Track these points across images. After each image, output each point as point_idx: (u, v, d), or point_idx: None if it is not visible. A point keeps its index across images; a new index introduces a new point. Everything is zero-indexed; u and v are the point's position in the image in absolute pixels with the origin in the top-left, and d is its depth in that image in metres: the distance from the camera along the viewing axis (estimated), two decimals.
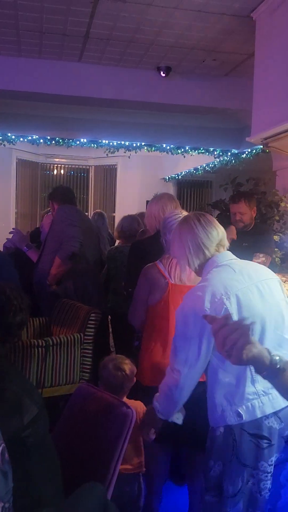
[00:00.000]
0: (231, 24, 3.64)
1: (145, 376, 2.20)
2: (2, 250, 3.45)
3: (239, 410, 1.59)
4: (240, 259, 1.82)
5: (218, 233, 1.77)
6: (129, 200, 8.91)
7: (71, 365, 2.73)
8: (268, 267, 2.60)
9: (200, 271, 1.75)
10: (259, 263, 2.85)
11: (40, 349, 2.63)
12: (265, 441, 1.59)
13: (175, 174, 9.07)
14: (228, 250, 1.80)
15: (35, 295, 3.32)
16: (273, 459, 1.62)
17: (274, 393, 1.57)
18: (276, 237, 3.59)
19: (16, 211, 9.45)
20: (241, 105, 4.56)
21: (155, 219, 2.51)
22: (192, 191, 9.74)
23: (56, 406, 2.60)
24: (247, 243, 3.19)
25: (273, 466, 1.63)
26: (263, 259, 2.94)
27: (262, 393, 1.60)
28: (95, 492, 1.57)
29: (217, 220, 1.85)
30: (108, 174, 9.96)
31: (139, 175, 9.29)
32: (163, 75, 4.47)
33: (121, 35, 3.89)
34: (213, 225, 1.77)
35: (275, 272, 1.83)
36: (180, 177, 9.11)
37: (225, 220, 3.80)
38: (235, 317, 1.52)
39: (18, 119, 5.89)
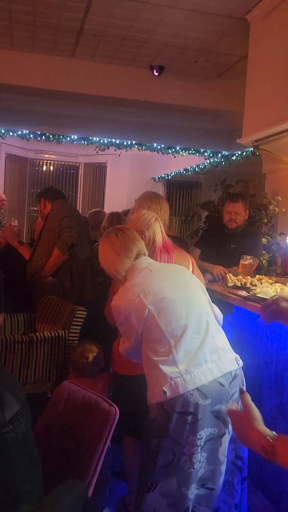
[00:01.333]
0: (225, 25, 3.65)
1: (116, 364, 2.27)
2: None
3: (164, 388, 1.79)
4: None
5: (136, 245, 2.00)
6: (117, 199, 8.89)
7: (55, 362, 2.71)
8: (255, 269, 2.64)
9: (126, 277, 1.99)
10: (245, 265, 2.88)
11: (23, 345, 2.61)
12: (191, 416, 1.78)
13: (164, 174, 9.08)
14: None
15: (29, 287, 3.34)
16: (202, 433, 1.78)
17: (196, 371, 1.81)
18: (264, 240, 3.61)
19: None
20: (232, 107, 4.57)
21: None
22: (181, 192, 9.76)
23: (39, 403, 2.57)
24: (235, 245, 3.20)
25: (202, 440, 1.80)
26: (250, 261, 2.95)
27: (185, 371, 1.80)
28: (75, 490, 1.56)
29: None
30: (98, 172, 9.93)
31: (128, 174, 9.29)
32: (156, 74, 4.46)
33: (115, 32, 3.88)
34: (130, 239, 2.01)
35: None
36: (169, 177, 9.12)
37: (213, 221, 3.81)
38: (151, 308, 1.83)
39: (8, 113, 5.83)
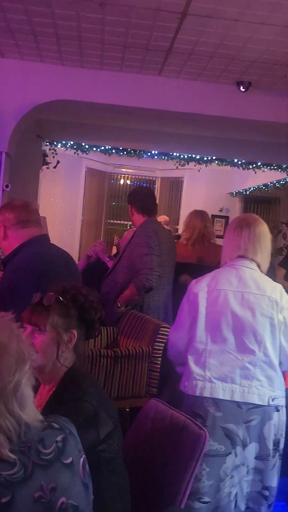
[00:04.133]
0: None
1: None
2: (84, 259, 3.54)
3: (186, 383, 1.96)
4: None
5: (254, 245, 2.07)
6: None
7: (138, 378, 2.72)
8: None
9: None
10: None
11: (109, 359, 2.64)
12: (200, 420, 1.88)
13: (242, 189, 8.94)
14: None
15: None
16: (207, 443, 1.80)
17: (218, 384, 1.93)
18: None
19: (82, 218, 9.66)
20: None
21: None
22: (259, 207, 9.56)
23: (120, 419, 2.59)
24: None
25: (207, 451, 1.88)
26: None
27: (208, 379, 1.92)
28: None
29: None
30: (174, 186, 9.98)
31: (205, 189, 9.24)
32: (243, 90, 4.42)
33: (203, 49, 3.89)
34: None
35: None
36: (247, 193, 8.97)
37: None
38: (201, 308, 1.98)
39: (93, 129, 6.03)
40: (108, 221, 10.39)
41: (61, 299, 1.69)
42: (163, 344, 2.79)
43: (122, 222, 10.13)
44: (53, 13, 3.42)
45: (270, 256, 2.07)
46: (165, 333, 2.79)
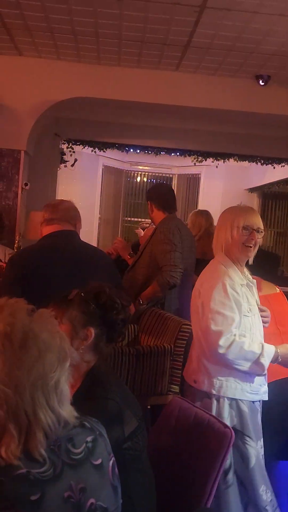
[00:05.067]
0: None
1: None
2: None
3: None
4: None
5: None
6: (211, 210, 8.79)
7: (160, 376, 2.70)
8: None
9: None
10: None
11: (131, 357, 2.62)
12: None
13: (260, 185, 8.84)
14: None
15: None
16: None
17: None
18: None
19: (99, 216, 9.67)
20: None
21: None
22: (278, 203, 9.44)
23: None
24: None
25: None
26: None
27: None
28: None
29: None
30: (191, 183, 9.91)
31: (223, 185, 9.15)
32: (262, 84, 4.36)
33: (221, 43, 3.84)
34: None
35: None
36: (266, 189, 8.86)
37: None
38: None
39: (109, 126, 6.02)
40: (125, 218, 10.38)
41: (83, 295, 1.69)
42: (185, 342, 2.76)
43: (139, 219, 10.10)
44: (70, 10, 3.41)
45: None
46: (187, 330, 2.76)
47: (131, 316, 1.78)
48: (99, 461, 1.11)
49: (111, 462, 1.16)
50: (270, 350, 2.09)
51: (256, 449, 2.13)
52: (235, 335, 2.06)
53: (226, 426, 1.75)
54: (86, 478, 1.06)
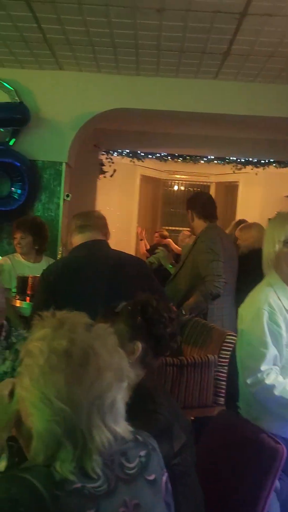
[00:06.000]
0: None
1: None
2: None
3: None
4: None
5: None
6: (250, 218, 8.68)
7: (204, 388, 2.66)
8: None
9: None
10: None
11: (174, 368, 2.60)
12: None
13: None
14: None
15: None
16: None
17: None
18: None
19: (137, 226, 9.72)
20: None
21: None
22: None
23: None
24: None
25: None
26: None
27: None
28: None
29: None
30: (230, 191, 9.82)
31: (261, 192, 9.02)
32: None
33: (262, 49, 3.79)
34: None
35: None
36: None
37: None
38: None
39: (148, 136, 6.05)
40: (163, 228, 10.38)
41: (130, 308, 1.67)
42: (229, 352, 2.71)
43: (177, 228, 10.08)
44: (110, 23, 3.45)
45: None
46: (232, 341, 2.71)
47: (179, 329, 1.75)
48: (152, 477, 1.09)
49: (164, 477, 1.14)
50: None
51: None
52: (267, 374, 1.88)
53: (277, 441, 1.70)
54: (140, 494, 1.04)
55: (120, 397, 1.01)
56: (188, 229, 4.81)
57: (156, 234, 7.78)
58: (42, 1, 3.16)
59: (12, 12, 3.36)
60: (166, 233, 7.82)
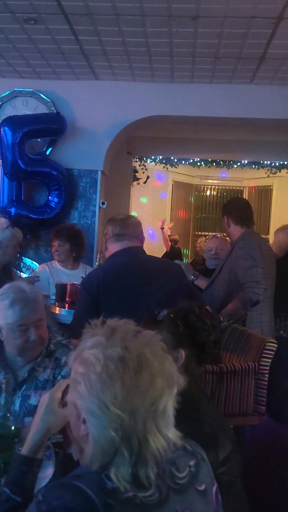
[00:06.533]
0: None
1: None
2: None
3: None
4: None
5: None
6: (285, 222, 8.54)
7: (244, 395, 2.63)
8: None
9: None
10: None
11: (214, 375, 2.58)
12: None
13: None
14: None
15: None
16: None
17: None
18: None
19: (169, 232, 9.70)
20: None
21: None
22: None
23: None
24: None
25: None
26: None
27: None
28: None
29: None
30: (263, 195, 9.71)
31: None
32: None
33: None
34: None
35: None
36: None
37: None
38: None
39: (182, 142, 6.05)
40: (196, 233, 10.34)
41: (172, 316, 1.67)
42: (269, 360, 2.67)
43: (210, 233, 10.03)
44: (146, 32, 3.48)
45: None
46: (272, 348, 2.67)
47: (221, 336, 1.74)
48: (203, 487, 1.08)
49: (214, 488, 1.13)
50: None
51: None
52: None
53: None
54: (191, 504, 1.03)
55: (170, 404, 1.01)
56: (214, 233, 4.79)
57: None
58: (79, 14, 3.23)
59: (50, 26, 3.44)
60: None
